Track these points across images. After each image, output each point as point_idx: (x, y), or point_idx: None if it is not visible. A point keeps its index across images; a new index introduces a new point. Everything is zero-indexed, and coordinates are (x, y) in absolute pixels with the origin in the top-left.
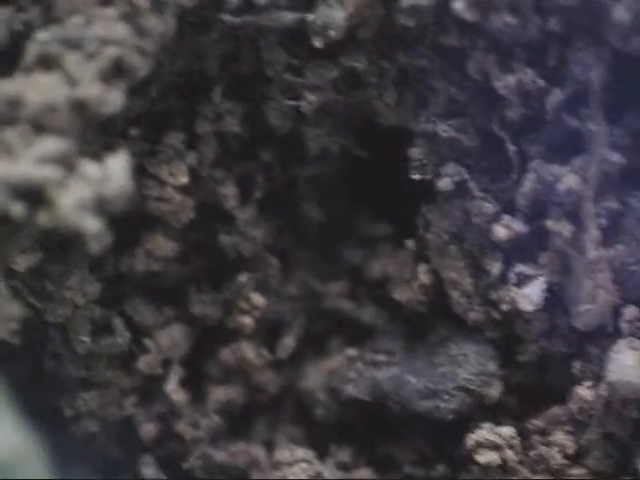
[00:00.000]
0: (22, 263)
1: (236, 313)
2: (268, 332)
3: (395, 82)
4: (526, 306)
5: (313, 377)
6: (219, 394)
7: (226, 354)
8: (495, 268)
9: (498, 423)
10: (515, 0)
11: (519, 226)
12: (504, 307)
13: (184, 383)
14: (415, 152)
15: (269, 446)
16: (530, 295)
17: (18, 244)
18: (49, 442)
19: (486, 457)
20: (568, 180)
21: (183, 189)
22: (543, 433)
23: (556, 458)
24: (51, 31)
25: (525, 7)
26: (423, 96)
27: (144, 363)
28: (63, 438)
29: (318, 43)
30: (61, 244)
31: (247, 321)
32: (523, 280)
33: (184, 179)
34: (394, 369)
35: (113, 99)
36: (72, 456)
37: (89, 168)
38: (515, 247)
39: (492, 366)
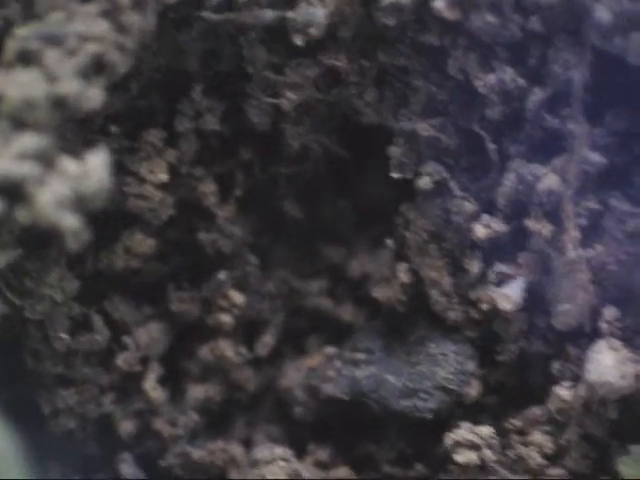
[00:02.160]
0: (1, 259)
1: (215, 311)
2: (247, 330)
3: (375, 81)
4: (505, 306)
5: (292, 375)
6: (198, 392)
7: (205, 352)
8: (474, 267)
9: (477, 422)
10: None
11: (499, 225)
12: (483, 306)
13: (163, 380)
14: (395, 151)
15: (247, 444)
16: (509, 295)
17: None
18: (27, 439)
19: (465, 457)
20: (548, 180)
21: (162, 186)
22: (522, 433)
23: (535, 458)
24: (31, 27)
25: (506, 6)
26: (403, 95)
27: (123, 360)
28: (41, 435)
29: (299, 41)
30: (40, 241)
31: (226, 319)
32: (502, 280)
33: (163, 176)
34: (373, 368)
35: (93, 96)
36: (50, 453)
37: (68, 165)
38: (495, 246)
39: (471, 365)
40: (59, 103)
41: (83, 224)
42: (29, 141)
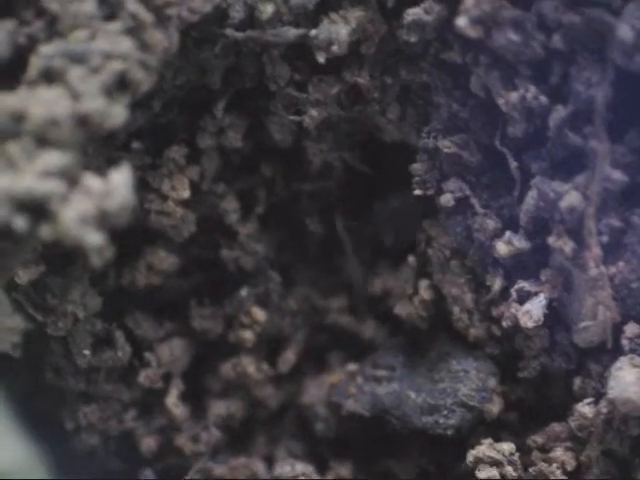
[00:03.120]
0: (24, 276)
1: (237, 327)
2: (269, 346)
3: (397, 97)
4: (527, 322)
5: (313, 392)
6: (219, 408)
7: (227, 368)
8: (496, 284)
9: (498, 439)
10: (518, 17)
11: (520, 242)
12: (505, 323)
13: (184, 397)
14: (417, 168)
15: (269, 460)
16: (531, 311)
17: (20, 257)
18: (50, 455)
19: (486, 473)
20: (570, 197)
21: (185, 203)
22: (543, 449)
23: (556, 474)
24: (55, 45)
25: (528, 24)
26: (425, 112)
27: (145, 377)
28: (63, 451)
29: (321, 58)
30: (63, 257)
31: (248, 335)
32: (524, 296)
33: (186, 193)
34: (394, 384)
35: (116, 113)
36: (73, 469)
37: (92, 182)
38: (516, 263)
39: (492, 382)
40: (83, 121)
41: (106, 241)
42: (53, 158)
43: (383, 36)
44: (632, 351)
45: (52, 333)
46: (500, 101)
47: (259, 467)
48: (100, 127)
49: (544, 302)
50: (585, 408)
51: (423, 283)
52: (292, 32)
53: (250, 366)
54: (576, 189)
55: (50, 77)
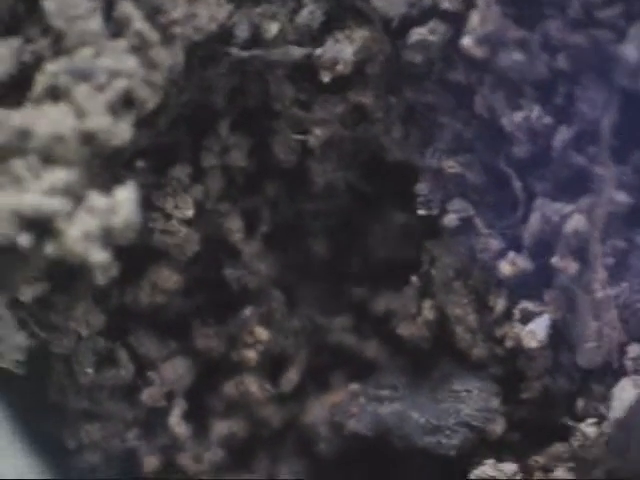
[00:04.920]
0: (28, 293)
1: (240, 347)
2: (272, 366)
3: (402, 117)
4: (530, 343)
5: (316, 411)
6: (222, 427)
7: (229, 387)
8: (500, 304)
9: (501, 459)
10: (524, 37)
11: (524, 263)
12: (508, 343)
13: (187, 416)
14: (421, 188)
15: None
16: (534, 332)
17: (25, 274)
18: (52, 473)
19: None
20: (574, 221)
21: (188, 222)
22: (545, 470)
23: None
24: (60, 62)
25: (533, 44)
26: (429, 132)
27: (147, 395)
28: (66, 470)
29: (326, 78)
30: (67, 275)
31: (251, 355)
32: (527, 317)
33: (190, 212)
34: (397, 404)
35: (121, 131)
36: None
37: (97, 200)
38: (520, 283)
39: (495, 402)
40: (88, 138)
41: (111, 259)
42: (58, 176)
43: (388, 56)
44: (635, 372)
45: (55, 351)
46: (504, 121)
47: None
48: (105, 145)
49: (548, 323)
50: (588, 429)
51: (426, 303)
52: (296, 51)
53: (253, 385)
54: (580, 212)
55: (56, 94)
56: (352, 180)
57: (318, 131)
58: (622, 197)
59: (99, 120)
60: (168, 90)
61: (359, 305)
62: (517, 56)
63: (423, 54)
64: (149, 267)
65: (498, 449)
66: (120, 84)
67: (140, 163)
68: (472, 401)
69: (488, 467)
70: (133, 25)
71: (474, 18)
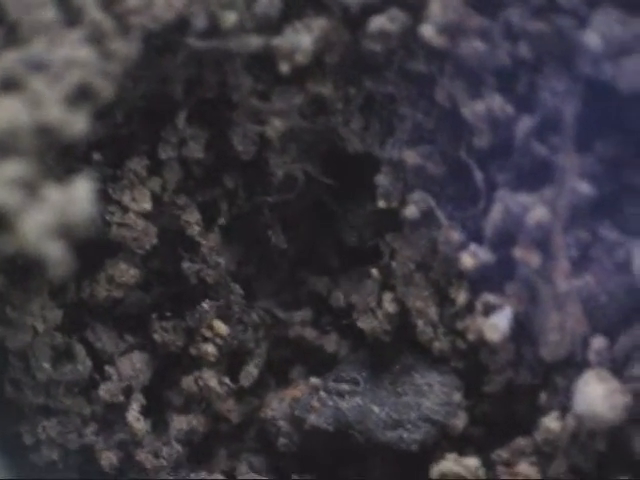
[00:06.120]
0: None
1: (199, 341)
2: (231, 360)
3: (361, 108)
4: (492, 336)
5: (276, 406)
6: (181, 422)
7: (188, 382)
8: (461, 297)
9: (463, 454)
10: (484, 25)
11: (486, 255)
12: (470, 337)
13: (145, 411)
14: (381, 179)
15: (231, 475)
16: (496, 325)
17: None
18: (9, 470)
19: None
20: (537, 212)
21: (146, 215)
22: (508, 464)
23: None
24: (15, 52)
25: (495, 33)
26: (390, 122)
27: (105, 391)
28: (23, 466)
29: (284, 68)
30: (22, 269)
31: (210, 349)
32: (489, 309)
33: (147, 205)
34: (358, 398)
35: (77, 123)
36: None
37: (52, 193)
38: (482, 276)
39: (457, 396)
40: (43, 130)
41: (67, 253)
42: (12, 168)
43: (347, 45)
44: (599, 364)
45: (11, 346)
46: (465, 111)
47: None
48: (61, 136)
49: (510, 315)
50: (551, 423)
51: (387, 296)
52: (255, 41)
53: (212, 380)
54: (543, 202)
55: (10, 85)
56: (311, 172)
57: (277, 122)
58: (585, 188)
59: (55, 111)
60: (124, 81)
61: (319, 298)
62: (478, 44)
63: (383, 43)
64: (106, 261)
65: (460, 443)
66: (75, 75)
67: (96, 155)
68: (434, 395)
69: (450, 462)
70: (88, 14)
71: (434, 6)
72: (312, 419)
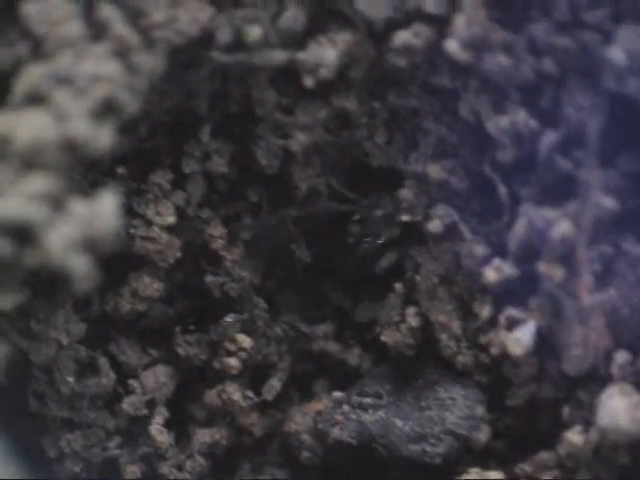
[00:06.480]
0: (8, 302)
1: (222, 354)
2: (254, 373)
3: (385, 122)
4: (516, 350)
5: (299, 419)
6: (204, 436)
7: (211, 395)
8: (485, 311)
9: (486, 467)
10: (509, 40)
11: (510, 269)
12: (493, 351)
13: (169, 424)
14: (405, 193)
15: None
16: (520, 339)
17: (5, 283)
18: None
19: None
20: (561, 226)
21: (170, 229)
22: (531, 478)
23: None
24: (41, 67)
25: (519, 47)
26: (413, 137)
27: (129, 404)
28: (47, 479)
29: (309, 82)
30: (47, 283)
31: (233, 362)
32: (513, 323)
33: (171, 219)
34: (381, 412)
35: (103, 137)
36: None
37: (77, 207)
38: (505, 290)
39: (480, 410)
40: (69, 145)
41: (91, 266)
42: (38, 183)
43: (371, 60)
44: (622, 379)
45: (35, 360)
46: (489, 126)
47: None
48: (86, 151)
49: (533, 329)
50: (574, 436)
51: (410, 310)
52: (279, 55)
53: (235, 393)
54: (567, 217)
55: (36, 100)
56: (335, 186)
57: (301, 136)
58: (609, 202)
59: (80, 126)
60: (149, 95)
61: (342, 312)
62: (502, 59)
63: (407, 58)
64: (130, 274)
65: (483, 457)
66: (101, 89)
67: (121, 169)
68: (457, 409)
69: (473, 475)
70: (114, 29)
71: (459, 21)
72: (335, 433)
